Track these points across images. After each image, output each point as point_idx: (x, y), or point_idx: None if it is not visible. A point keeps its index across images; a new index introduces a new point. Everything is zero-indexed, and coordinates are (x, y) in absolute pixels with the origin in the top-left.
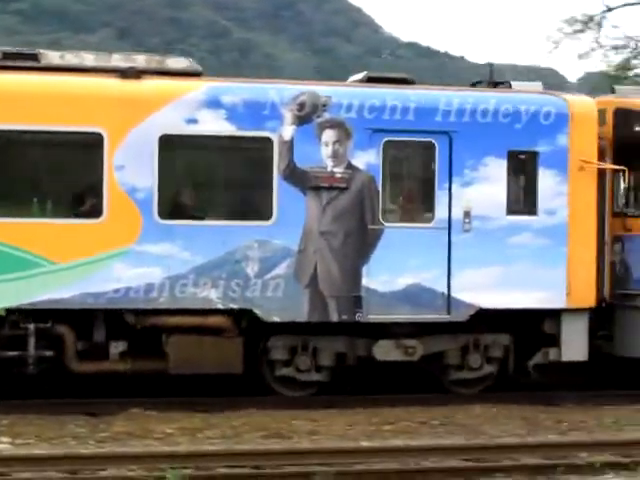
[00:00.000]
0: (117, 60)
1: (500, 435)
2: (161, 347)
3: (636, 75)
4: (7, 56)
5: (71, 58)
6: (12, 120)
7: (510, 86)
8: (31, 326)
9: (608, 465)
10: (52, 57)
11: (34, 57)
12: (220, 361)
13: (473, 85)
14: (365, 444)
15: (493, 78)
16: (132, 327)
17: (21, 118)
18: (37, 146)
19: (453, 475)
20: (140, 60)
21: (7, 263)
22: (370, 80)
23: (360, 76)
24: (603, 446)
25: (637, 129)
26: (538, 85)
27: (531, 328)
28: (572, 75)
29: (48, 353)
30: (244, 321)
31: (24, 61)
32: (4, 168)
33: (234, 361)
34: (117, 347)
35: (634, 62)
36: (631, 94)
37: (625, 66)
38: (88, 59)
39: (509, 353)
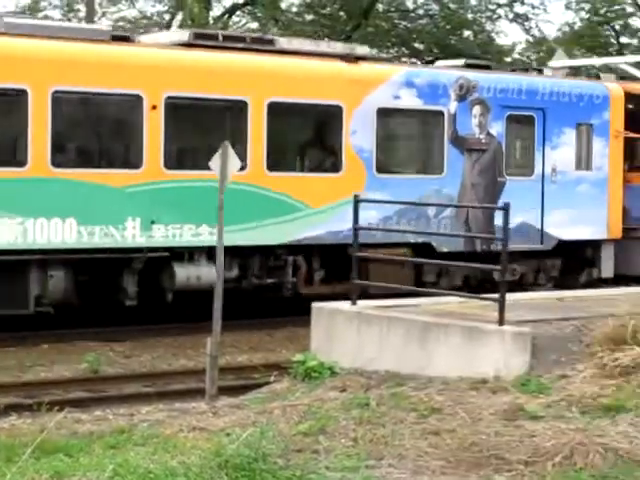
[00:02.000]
0: (334, 47)
1: None
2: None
3: None
4: (244, 39)
5: (302, 44)
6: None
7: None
8: (290, 258)
9: (11, 407)
10: (282, 42)
11: (270, 42)
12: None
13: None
14: None
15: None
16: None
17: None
18: (295, 115)
19: None
20: (345, 47)
21: (280, 208)
22: (467, 66)
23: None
24: (5, 388)
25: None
26: (610, 76)
27: (576, 254)
28: None
29: (293, 280)
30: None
31: (261, 44)
32: (278, 135)
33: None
34: (320, 274)
35: None
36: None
37: None
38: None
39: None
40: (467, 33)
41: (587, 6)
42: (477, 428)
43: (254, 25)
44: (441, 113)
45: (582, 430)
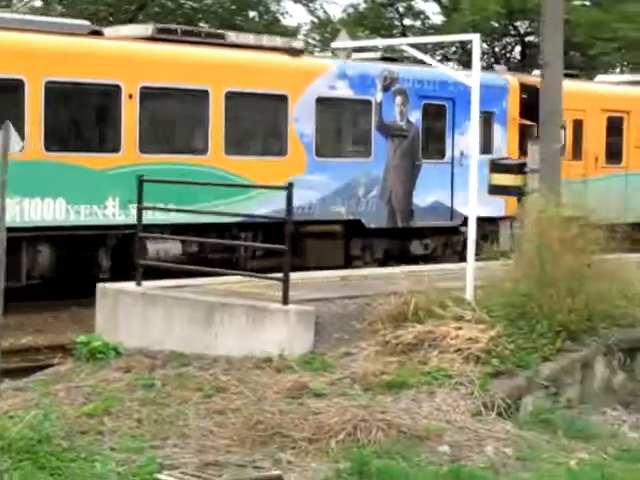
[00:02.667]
0: (273, 41)
1: None
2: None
3: None
4: (199, 33)
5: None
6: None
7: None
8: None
9: None
10: (232, 36)
11: (222, 36)
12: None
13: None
14: None
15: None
16: None
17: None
18: (250, 104)
19: None
20: (285, 41)
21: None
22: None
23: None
24: None
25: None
26: (503, 68)
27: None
28: None
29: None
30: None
31: (214, 39)
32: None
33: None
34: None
35: None
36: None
37: None
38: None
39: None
40: (252, 14)
41: None
42: (262, 406)
43: (38, 3)
44: (369, 102)
45: (365, 407)
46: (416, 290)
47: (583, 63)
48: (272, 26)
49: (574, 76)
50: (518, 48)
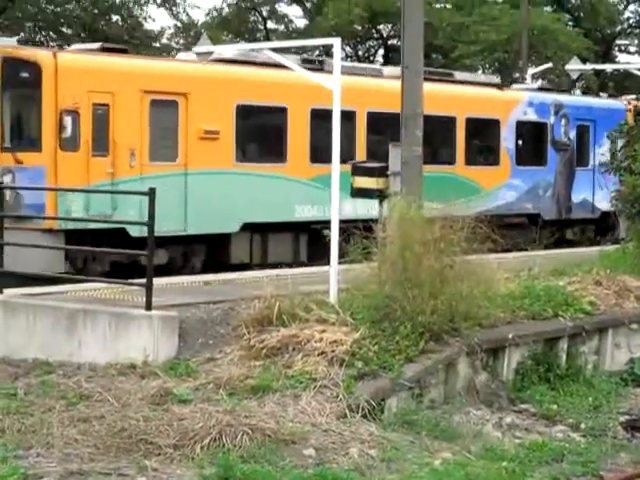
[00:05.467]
0: (483, 77)
1: None
2: None
3: None
4: (436, 72)
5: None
6: None
7: None
8: None
9: None
10: (458, 75)
11: (451, 75)
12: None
13: None
14: None
15: None
16: None
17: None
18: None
19: None
20: (487, 78)
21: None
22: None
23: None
24: None
25: None
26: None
27: None
28: None
29: None
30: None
31: (446, 77)
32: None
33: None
34: None
35: None
36: None
37: None
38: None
39: None
40: (115, 18)
41: None
42: (126, 413)
43: None
44: (546, 124)
45: (230, 412)
46: (281, 294)
47: (445, 66)
48: (135, 30)
49: None
50: (381, 51)
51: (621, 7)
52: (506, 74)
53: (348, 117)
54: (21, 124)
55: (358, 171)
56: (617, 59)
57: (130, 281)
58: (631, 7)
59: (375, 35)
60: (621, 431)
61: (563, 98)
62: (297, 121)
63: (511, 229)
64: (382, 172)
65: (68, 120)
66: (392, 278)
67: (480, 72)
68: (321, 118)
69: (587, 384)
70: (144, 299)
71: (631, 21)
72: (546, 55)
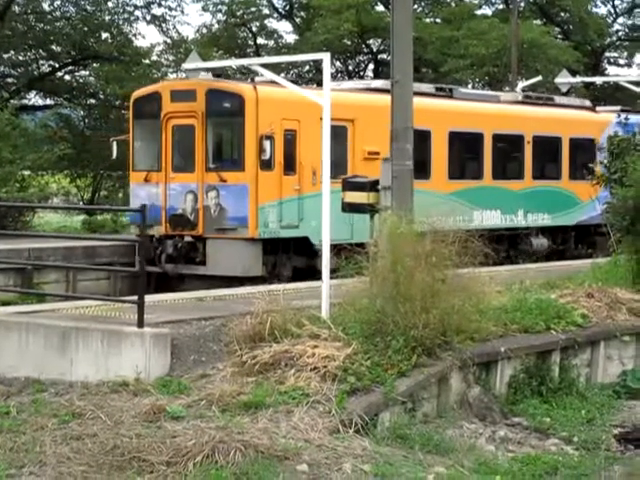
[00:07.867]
0: (577, 101)
1: None
2: None
3: None
4: (540, 98)
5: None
6: None
7: None
8: None
9: None
10: (557, 99)
11: (552, 99)
12: None
13: None
14: None
15: None
16: None
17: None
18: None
19: None
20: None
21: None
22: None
23: None
24: None
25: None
26: None
27: None
28: None
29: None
30: None
31: (548, 101)
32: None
33: None
34: None
35: None
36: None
37: None
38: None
39: None
40: (105, 35)
41: (224, 8)
42: (119, 431)
43: None
44: None
45: (223, 428)
46: (272, 310)
47: (435, 80)
48: (125, 48)
49: None
50: (371, 66)
51: (610, 20)
52: (496, 88)
53: (477, 139)
54: (223, 147)
55: (349, 186)
56: (607, 72)
57: (122, 298)
58: (620, 20)
59: (365, 50)
60: (614, 444)
61: None
62: (438, 142)
63: (600, 236)
64: (373, 187)
65: (267, 144)
66: (384, 292)
67: (484, 89)
68: (459, 140)
69: (580, 397)
70: (136, 316)
71: (620, 34)
72: (536, 68)
